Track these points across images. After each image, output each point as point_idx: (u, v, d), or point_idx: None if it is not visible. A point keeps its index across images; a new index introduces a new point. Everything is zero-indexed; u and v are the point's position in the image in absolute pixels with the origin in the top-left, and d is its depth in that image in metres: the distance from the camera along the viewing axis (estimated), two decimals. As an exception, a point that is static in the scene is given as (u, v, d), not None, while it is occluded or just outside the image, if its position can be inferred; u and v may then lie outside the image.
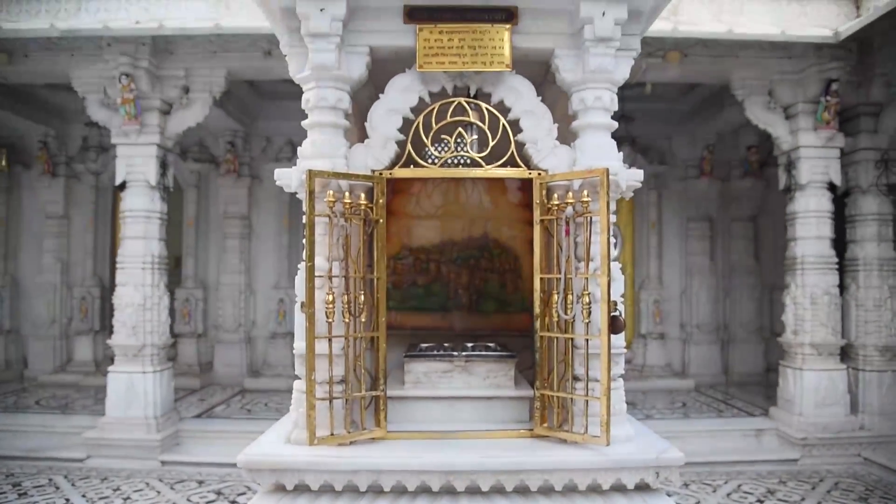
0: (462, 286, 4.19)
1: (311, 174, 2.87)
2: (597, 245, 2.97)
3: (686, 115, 9.10)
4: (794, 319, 6.91)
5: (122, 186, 6.76)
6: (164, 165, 6.86)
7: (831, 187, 6.81)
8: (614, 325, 2.88)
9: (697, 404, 8.08)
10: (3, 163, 8.68)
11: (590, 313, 2.94)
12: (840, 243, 7.00)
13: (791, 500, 5.72)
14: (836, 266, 6.77)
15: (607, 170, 2.91)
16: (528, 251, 3.89)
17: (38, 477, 6.20)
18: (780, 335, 7.16)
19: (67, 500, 5.60)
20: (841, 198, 7.11)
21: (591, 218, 2.98)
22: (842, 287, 6.88)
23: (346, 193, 2.99)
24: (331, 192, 2.94)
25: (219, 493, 5.85)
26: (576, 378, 3.04)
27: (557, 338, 3.08)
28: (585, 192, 2.98)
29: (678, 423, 7.27)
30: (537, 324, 3.10)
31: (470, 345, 3.77)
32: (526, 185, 4.02)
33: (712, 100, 8.31)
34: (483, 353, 3.50)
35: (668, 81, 7.39)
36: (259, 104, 8.88)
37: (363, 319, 3.02)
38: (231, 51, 6.70)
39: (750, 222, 9.26)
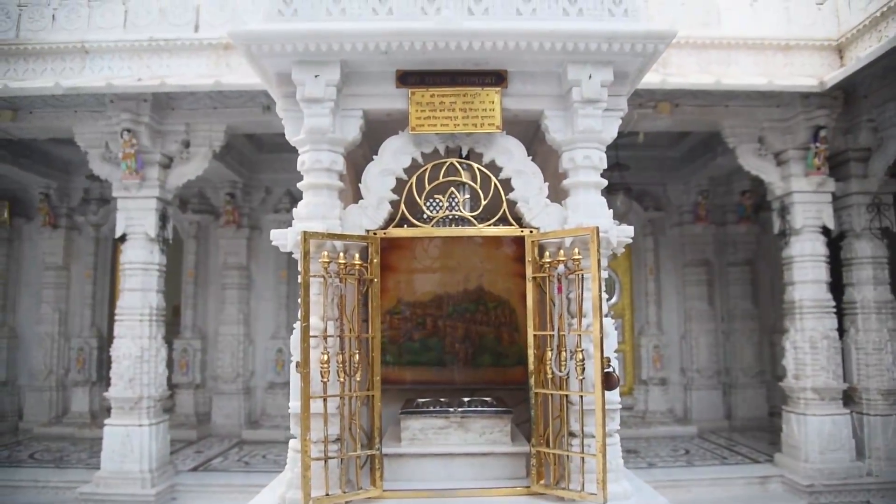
0: (458, 339, 4.22)
1: (306, 236, 2.94)
2: (589, 301, 3.02)
3: (679, 162, 9.25)
4: (794, 364, 6.89)
5: (123, 239, 6.84)
6: (163, 218, 6.95)
7: (825, 231, 6.88)
8: (608, 381, 2.90)
9: (701, 451, 8.00)
10: (6, 215, 8.79)
11: (583, 369, 2.96)
12: (838, 286, 7.04)
13: (799, 551, 5.63)
14: (834, 309, 6.79)
15: (597, 228, 2.98)
16: (523, 303, 3.92)
17: (30, 535, 6.12)
18: (782, 379, 7.13)
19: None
20: (836, 241, 7.18)
21: (582, 275, 3.03)
22: (841, 331, 6.90)
23: (341, 254, 3.05)
24: (325, 252, 3.00)
25: (214, 551, 5.76)
26: (571, 434, 3.05)
27: (552, 394, 3.10)
28: (577, 250, 3.04)
29: (681, 470, 7.19)
30: (532, 380, 3.13)
31: (466, 399, 3.79)
32: (520, 238, 4.09)
33: (704, 146, 8.46)
34: (479, 408, 3.51)
35: (660, 130, 7.54)
36: (258, 156, 9.04)
37: (358, 378, 3.04)
38: (231, 106, 6.86)
39: (747, 266, 9.31)
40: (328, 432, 2.97)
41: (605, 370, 2.91)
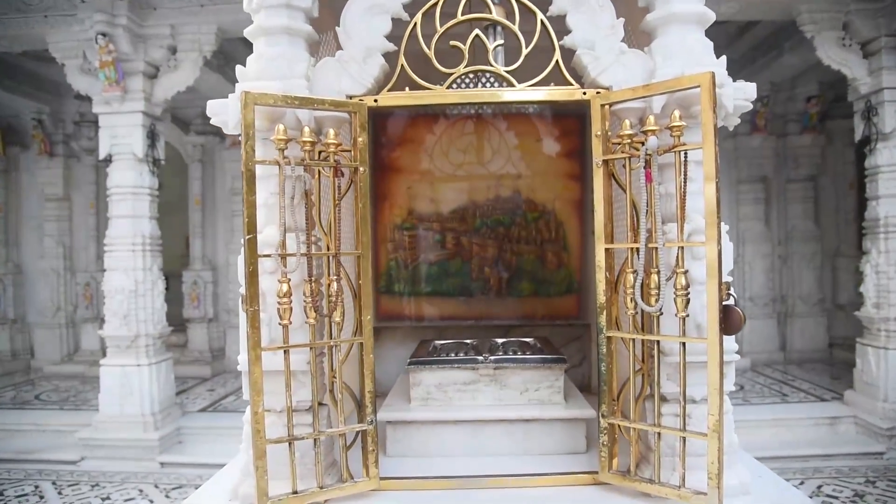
0: (488, 262, 3.07)
1: (249, 99, 1.76)
2: (697, 196, 1.82)
3: (737, 64, 7.69)
4: (875, 291, 5.62)
5: (108, 160, 5.76)
6: (152, 136, 5.80)
7: (920, 136, 5.47)
8: (728, 320, 1.73)
9: (757, 387, 6.85)
10: (-1, 144, 7.75)
11: (687, 302, 1.79)
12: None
13: (889, 507, 4.53)
14: (928, 228, 5.46)
15: (712, 75, 1.74)
16: (574, 213, 2.74)
17: (24, 483, 5.30)
18: (844, 308, 5.90)
19: (47, 513, 4.70)
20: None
21: (685, 154, 1.81)
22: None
23: (307, 130, 1.87)
24: (281, 127, 1.83)
25: None
26: (662, 399, 1.90)
27: (634, 340, 1.93)
28: (676, 114, 1.80)
29: (738, 410, 5.99)
30: (602, 319, 1.94)
31: (500, 342, 2.66)
32: (568, 128, 2.86)
33: (768, 44, 6.94)
34: (519, 355, 2.38)
35: (724, 20, 6.05)
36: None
37: (338, 318, 1.91)
38: (220, 2, 5.60)
39: (809, 183, 7.88)
40: (294, 399, 1.87)
41: (724, 302, 1.74)
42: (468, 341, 2.69)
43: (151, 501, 4.91)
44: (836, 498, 4.72)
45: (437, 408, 2.29)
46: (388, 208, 3.06)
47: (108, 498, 4.96)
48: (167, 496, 5.02)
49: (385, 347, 3.18)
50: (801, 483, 4.99)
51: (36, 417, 6.25)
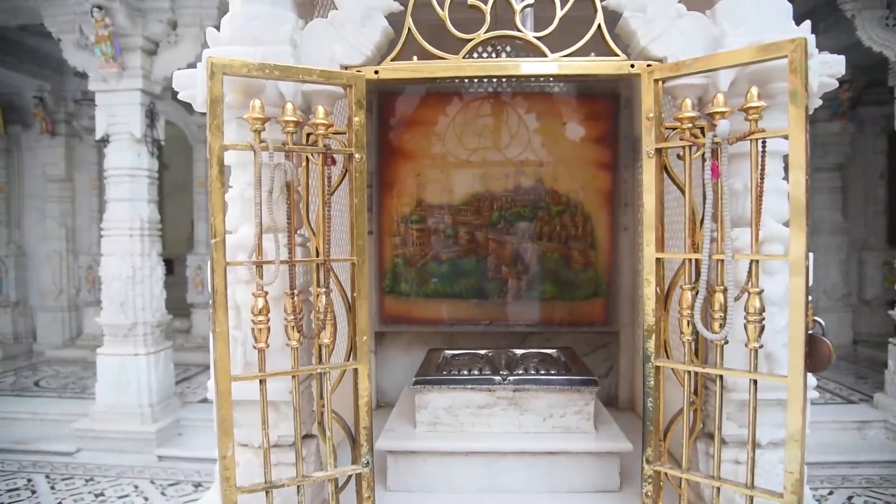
0: (506, 261, 2.68)
1: (215, 68, 1.37)
2: (772, 196, 1.43)
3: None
4: (913, 288, 5.21)
5: (105, 141, 5.40)
6: (151, 115, 5.42)
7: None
8: (815, 354, 1.35)
9: (779, 386, 6.46)
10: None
11: (761, 330, 1.40)
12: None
13: (930, 525, 4.14)
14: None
15: (804, 41, 1.34)
16: (604, 206, 2.36)
17: (16, 476, 5.01)
18: (870, 302, 5.48)
19: (37, 511, 4.42)
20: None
21: (762, 143, 1.42)
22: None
23: (289, 107, 1.49)
24: (257, 103, 1.45)
25: (214, 503, 4.57)
26: (724, 443, 1.53)
27: (690, 372, 1.54)
28: (755, 92, 1.40)
29: (761, 411, 5.68)
30: (650, 345, 1.54)
31: (519, 353, 2.28)
32: (598, 110, 2.46)
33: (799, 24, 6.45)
34: (542, 375, 2.00)
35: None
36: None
37: (327, 340, 1.53)
38: (222, -26, 5.21)
39: (837, 172, 7.40)
40: (274, 435, 1.51)
41: (809, 330, 1.36)
42: (482, 352, 2.32)
43: (146, 499, 4.61)
44: (870, 511, 4.35)
45: (446, 435, 1.93)
46: (395, 198, 2.67)
47: (101, 494, 4.67)
48: (163, 493, 4.72)
49: (389, 354, 2.82)
50: (831, 493, 4.61)
51: (34, 406, 5.96)
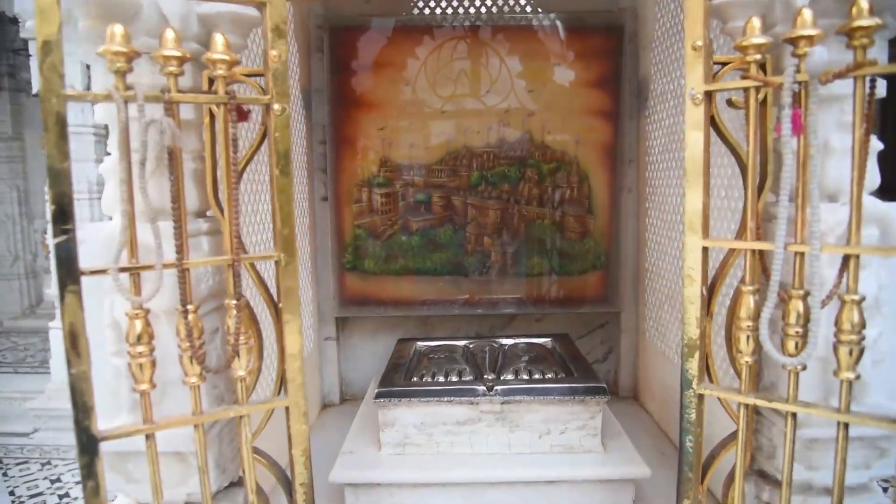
0: (488, 230, 2.23)
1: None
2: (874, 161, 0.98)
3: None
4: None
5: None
6: (92, 65, 4.79)
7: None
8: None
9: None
10: (-65, 76, 6.65)
11: (861, 353, 0.96)
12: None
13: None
14: None
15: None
16: (603, 162, 1.90)
17: (-33, 462, 4.61)
18: None
19: (-16, 501, 4.01)
20: None
21: (871, 81, 0.95)
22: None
23: (170, 36, 0.99)
24: (119, 30, 0.94)
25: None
26: (772, 480, 1.12)
27: (748, 405, 1.09)
28: (863, 5, 0.93)
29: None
30: (692, 364, 1.08)
31: (507, 344, 1.85)
32: (596, 47, 1.98)
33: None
34: (538, 383, 1.57)
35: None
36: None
37: (242, 372, 1.07)
38: None
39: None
40: (180, 494, 1.08)
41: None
42: (461, 343, 1.89)
43: (107, 483, 4.22)
44: None
45: (418, 459, 1.50)
46: (355, 157, 2.18)
47: (58, 480, 4.28)
48: (126, 475, 4.33)
49: (353, 342, 2.39)
50: None
51: (-13, 382, 5.49)
